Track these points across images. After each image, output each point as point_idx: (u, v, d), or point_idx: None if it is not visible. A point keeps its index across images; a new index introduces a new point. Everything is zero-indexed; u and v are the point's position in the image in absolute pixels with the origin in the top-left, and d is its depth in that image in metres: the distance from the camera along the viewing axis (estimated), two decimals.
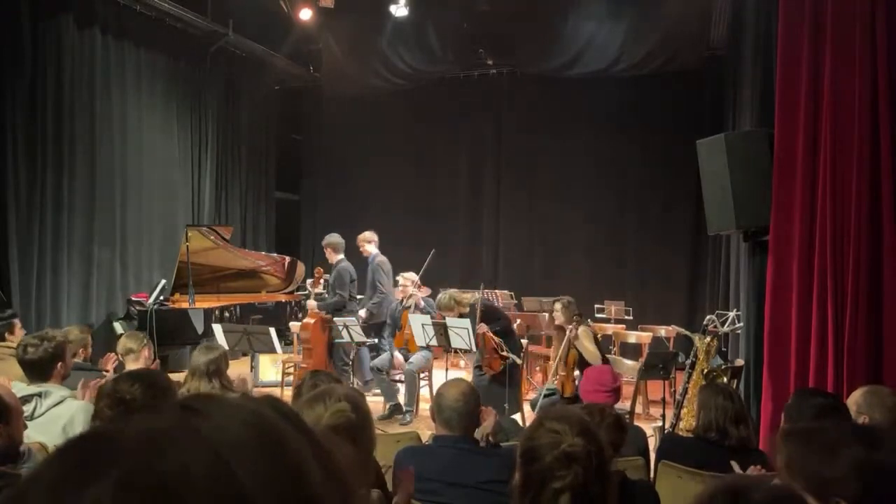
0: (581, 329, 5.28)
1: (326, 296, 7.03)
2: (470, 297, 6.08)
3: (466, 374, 6.57)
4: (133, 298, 7.40)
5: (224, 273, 7.62)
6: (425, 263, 6.76)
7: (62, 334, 3.53)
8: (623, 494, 1.91)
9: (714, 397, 2.92)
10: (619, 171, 9.76)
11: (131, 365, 3.88)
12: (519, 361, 5.94)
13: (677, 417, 5.03)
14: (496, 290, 8.79)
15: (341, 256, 6.89)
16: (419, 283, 6.71)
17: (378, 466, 2.16)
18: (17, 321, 4.96)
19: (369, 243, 7.09)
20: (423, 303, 6.60)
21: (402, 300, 6.66)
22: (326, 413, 1.53)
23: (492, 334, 5.65)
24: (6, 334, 4.75)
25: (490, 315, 5.89)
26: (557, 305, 5.51)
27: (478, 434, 2.61)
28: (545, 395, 5.34)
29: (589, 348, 5.24)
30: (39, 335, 3.19)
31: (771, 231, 4.44)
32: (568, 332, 5.24)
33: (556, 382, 5.57)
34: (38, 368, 3.06)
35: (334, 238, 6.96)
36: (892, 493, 0.90)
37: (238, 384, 4.05)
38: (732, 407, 2.86)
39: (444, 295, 6.04)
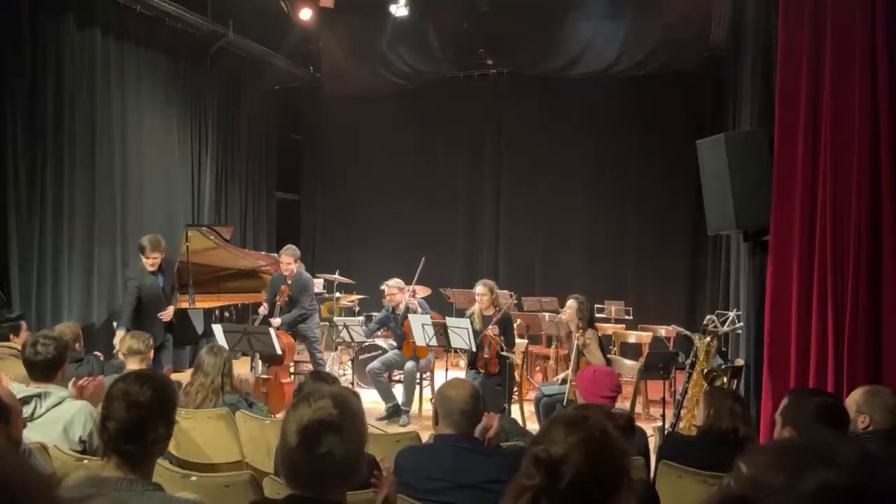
0: (589, 332, 5.32)
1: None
2: (504, 300, 6.17)
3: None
4: None
5: (224, 273, 7.62)
6: (417, 272, 6.76)
7: (60, 333, 3.53)
8: None
9: (723, 400, 2.97)
10: (619, 171, 9.75)
11: (134, 366, 3.87)
12: (518, 361, 5.98)
13: (677, 417, 5.03)
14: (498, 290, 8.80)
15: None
16: (404, 286, 6.70)
17: (375, 463, 2.17)
18: (23, 323, 4.95)
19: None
20: (416, 304, 6.60)
21: (393, 308, 6.66)
22: (309, 411, 1.57)
23: (498, 339, 5.69)
24: (11, 336, 4.74)
25: (507, 324, 5.98)
26: (571, 303, 5.50)
27: (478, 434, 2.61)
28: (548, 396, 5.33)
29: (597, 355, 5.27)
30: (46, 335, 3.18)
31: (771, 231, 4.44)
32: (576, 340, 5.26)
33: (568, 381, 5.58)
34: (45, 369, 3.06)
35: (296, 248, 6.77)
36: None
37: (239, 384, 4.05)
38: (742, 410, 2.91)
39: (489, 283, 6.13)
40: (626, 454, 1.39)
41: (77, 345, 4.34)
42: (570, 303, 5.53)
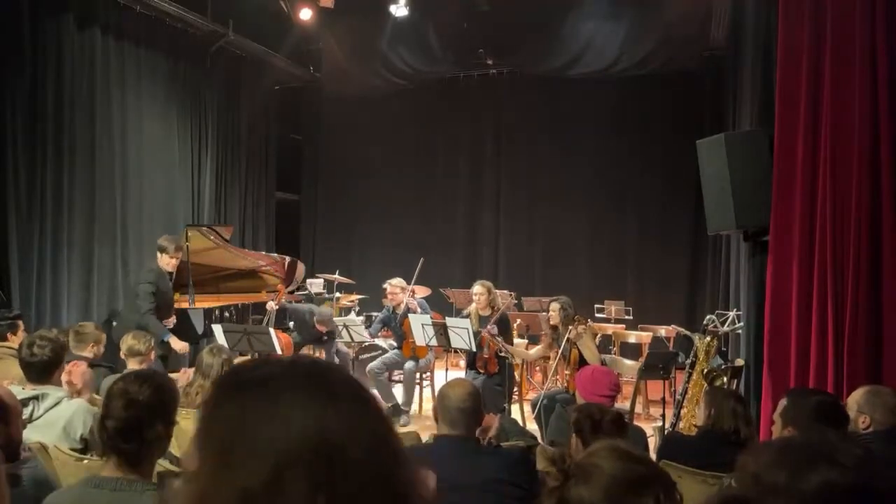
0: (583, 327, 5.31)
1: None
2: (502, 300, 6.25)
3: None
4: None
5: (224, 273, 7.61)
6: (416, 272, 6.75)
7: (66, 332, 3.52)
8: None
9: (725, 400, 2.98)
10: (619, 171, 9.75)
11: (134, 366, 3.87)
12: (518, 361, 5.97)
13: (677, 417, 5.03)
14: (496, 290, 8.79)
15: None
16: (406, 286, 6.69)
17: None
18: (21, 323, 4.93)
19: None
20: (416, 304, 6.59)
21: (394, 308, 6.66)
22: None
23: (496, 341, 5.70)
24: (8, 335, 4.72)
25: (504, 324, 5.97)
26: (554, 305, 5.50)
27: (477, 434, 2.61)
28: (548, 397, 5.32)
29: (591, 347, 5.25)
30: (43, 336, 3.17)
31: (771, 231, 4.44)
32: (568, 333, 5.23)
33: (558, 382, 5.58)
34: (41, 370, 3.05)
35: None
36: None
37: None
38: (743, 411, 2.92)
39: (486, 283, 6.14)
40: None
41: (93, 346, 4.30)
42: (554, 305, 5.52)
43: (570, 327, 5.22)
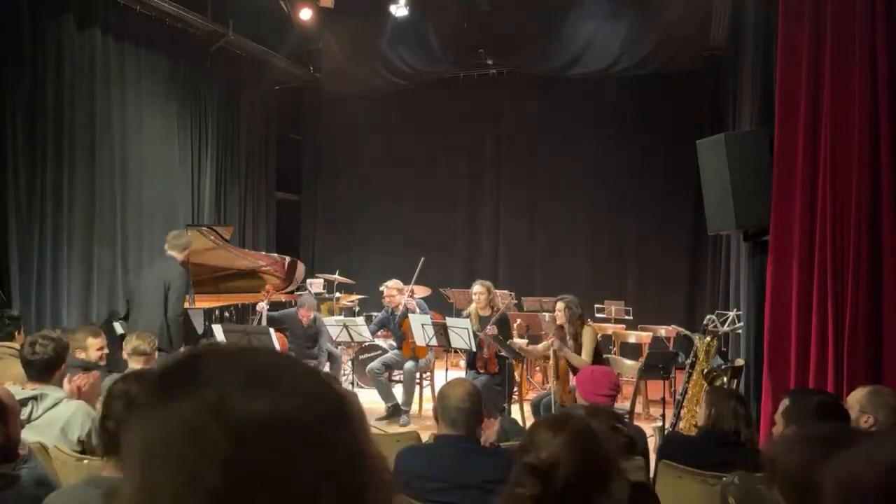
0: (585, 329, 5.33)
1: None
2: (502, 300, 6.28)
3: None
4: None
5: (224, 273, 7.62)
6: (416, 272, 6.75)
7: (65, 335, 3.52)
8: None
9: (726, 400, 2.97)
10: (619, 171, 9.75)
11: (138, 366, 3.86)
12: (517, 361, 5.97)
13: (677, 417, 5.03)
14: (496, 290, 8.78)
15: None
16: (403, 287, 6.67)
17: None
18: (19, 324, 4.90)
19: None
20: (414, 304, 6.58)
21: (392, 309, 6.65)
22: None
23: (494, 345, 5.69)
24: (15, 333, 4.71)
25: (504, 323, 5.96)
26: (560, 305, 5.49)
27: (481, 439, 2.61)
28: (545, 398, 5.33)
29: (573, 356, 5.26)
30: (45, 335, 3.17)
31: (771, 231, 4.44)
32: (552, 346, 5.26)
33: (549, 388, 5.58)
34: (41, 369, 3.05)
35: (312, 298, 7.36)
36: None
37: None
38: (744, 412, 2.92)
39: (486, 283, 6.16)
40: (612, 446, 1.39)
41: (75, 352, 4.29)
42: (559, 305, 5.51)
43: (551, 340, 5.26)
